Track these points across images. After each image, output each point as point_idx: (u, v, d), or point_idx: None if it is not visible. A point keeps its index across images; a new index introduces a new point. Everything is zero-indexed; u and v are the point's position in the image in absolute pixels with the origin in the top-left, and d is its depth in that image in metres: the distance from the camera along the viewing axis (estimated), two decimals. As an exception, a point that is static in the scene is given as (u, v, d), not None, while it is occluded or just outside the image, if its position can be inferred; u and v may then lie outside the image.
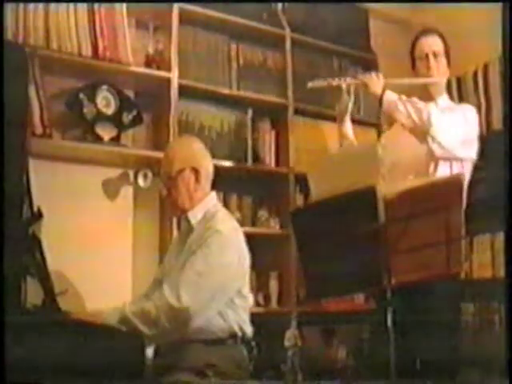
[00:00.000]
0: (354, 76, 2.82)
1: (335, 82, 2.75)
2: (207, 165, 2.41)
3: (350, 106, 2.79)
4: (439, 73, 2.69)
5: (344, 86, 2.74)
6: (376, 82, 2.66)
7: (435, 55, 2.68)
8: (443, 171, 2.54)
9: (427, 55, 2.68)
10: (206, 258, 2.16)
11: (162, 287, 2.15)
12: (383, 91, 2.63)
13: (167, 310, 2.07)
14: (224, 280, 2.19)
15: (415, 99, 2.63)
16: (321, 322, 3.35)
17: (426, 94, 2.71)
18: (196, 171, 2.35)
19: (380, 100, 2.62)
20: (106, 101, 2.94)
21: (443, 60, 2.71)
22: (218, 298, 2.16)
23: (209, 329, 2.17)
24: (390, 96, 2.62)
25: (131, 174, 3.10)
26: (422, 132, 2.50)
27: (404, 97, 2.63)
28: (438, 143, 2.48)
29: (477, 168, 3.34)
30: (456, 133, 2.52)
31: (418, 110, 2.53)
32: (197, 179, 2.35)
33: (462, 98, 3.52)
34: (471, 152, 2.60)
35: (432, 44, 2.70)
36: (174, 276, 2.20)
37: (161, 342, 2.17)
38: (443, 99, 2.73)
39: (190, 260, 2.18)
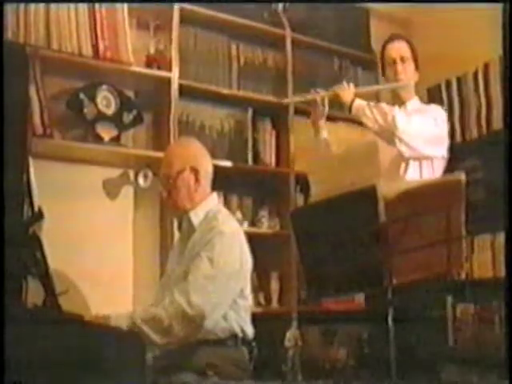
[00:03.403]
0: (354, 75, 2.82)
1: (310, 96, 2.85)
2: (207, 165, 2.41)
3: (325, 114, 2.85)
4: (407, 77, 2.78)
5: (318, 98, 2.81)
6: (347, 91, 2.74)
7: (403, 60, 2.77)
8: (413, 171, 2.65)
9: (395, 60, 2.77)
10: (211, 261, 2.15)
11: (170, 293, 2.13)
12: (353, 100, 2.72)
13: (180, 316, 2.06)
14: (229, 281, 2.18)
15: (383, 104, 2.72)
16: (321, 322, 3.35)
17: (397, 99, 2.81)
18: (196, 171, 2.35)
19: (349, 107, 2.71)
20: (106, 101, 2.94)
21: (411, 64, 2.80)
22: (224, 299, 2.16)
23: (211, 329, 2.16)
24: (359, 103, 2.71)
25: (131, 173, 3.11)
26: (388, 134, 2.58)
27: (372, 103, 2.72)
28: (405, 144, 2.57)
29: (477, 168, 3.36)
30: (423, 132, 2.60)
31: (384, 113, 2.62)
32: (197, 179, 2.35)
33: (462, 98, 3.53)
34: (441, 150, 2.70)
35: (399, 49, 2.79)
36: (180, 280, 2.19)
37: (171, 347, 2.13)
38: (413, 102, 2.82)
39: (196, 263, 2.17)
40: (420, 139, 2.59)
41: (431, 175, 2.65)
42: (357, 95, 2.75)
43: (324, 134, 2.85)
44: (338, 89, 2.75)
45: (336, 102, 2.79)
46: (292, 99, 2.96)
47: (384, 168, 2.59)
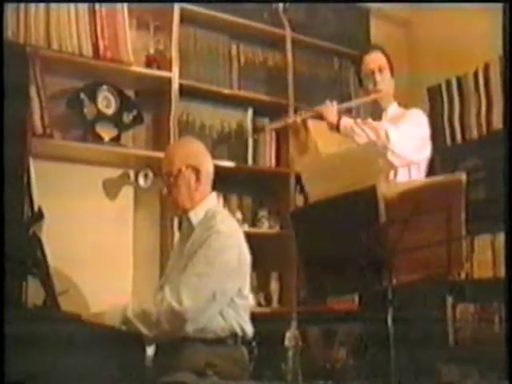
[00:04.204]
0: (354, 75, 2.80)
1: (291, 119, 2.90)
2: (207, 164, 2.41)
3: (308, 137, 2.87)
4: (385, 85, 2.85)
5: (299, 121, 2.84)
6: (331, 110, 2.77)
7: (380, 69, 2.84)
8: (403, 175, 2.70)
9: (373, 71, 2.84)
10: (206, 259, 2.16)
11: (163, 289, 2.15)
12: (339, 118, 2.74)
13: (168, 312, 2.07)
14: (224, 280, 2.19)
15: (369, 120, 2.78)
16: (321, 322, 3.35)
17: (377, 107, 2.89)
18: (197, 170, 2.35)
19: (337, 127, 2.73)
20: (106, 101, 2.94)
21: (388, 73, 2.87)
22: (218, 298, 2.16)
23: (209, 328, 2.17)
24: (346, 122, 2.74)
25: (132, 173, 3.11)
26: (381, 148, 2.60)
27: (359, 120, 2.77)
28: (396, 155, 2.63)
29: (477, 168, 3.35)
30: (411, 141, 2.68)
31: (375, 129, 2.65)
32: (197, 178, 2.35)
33: (462, 98, 3.53)
34: (426, 152, 2.78)
35: (376, 59, 2.86)
36: (176, 277, 2.20)
37: (161, 341, 2.16)
38: (393, 108, 2.88)
39: (192, 261, 2.18)
40: (410, 148, 2.66)
41: (419, 176, 2.71)
42: (340, 110, 2.79)
43: (312, 149, 2.85)
44: (322, 109, 2.78)
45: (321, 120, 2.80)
46: (274, 125, 3.02)
47: None
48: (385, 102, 2.86)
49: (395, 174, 2.70)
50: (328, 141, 2.85)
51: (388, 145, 2.60)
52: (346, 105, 3.02)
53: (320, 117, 2.79)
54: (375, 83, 2.83)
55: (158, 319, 2.06)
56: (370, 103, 2.99)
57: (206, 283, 2.13)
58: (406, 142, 2.64)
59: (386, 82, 2.84)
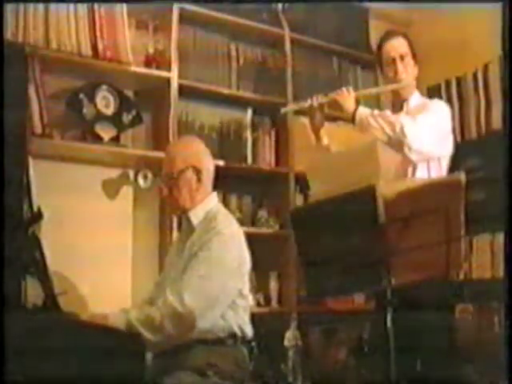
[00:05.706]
0: (353, 75, 2.77)
1: (307, 104, 2.75)
2: (208, 164, 2.41)
3: (324, 121, 2.78)
4: (407, 75, 2.70)
5: (316, 105, 2.72)
6: (347, 98, 2.66)
7: (402, 58, 2.69)
8: (422, 173, 2.57)
9: (394, 59, 2.69)
10: (208, 261, 2.15)
11: (165, 292, 2.13)
12: (355, 108, 2.63)
13: (172, 315, 2.06)
14: (226, 282, 2.18)
15: (387, 112, 2.65)
16: (321, 322, 3.35)
17: (398, 96, 2.74)
18: (198, 171, 2.34)
19: (353, 118, 2.63)
20: (105, 101, 2.94)
21: (410, 60, 2.72)
22: (221, 299, 2.16)
23: (209, 329, 2.16)
24: (362, 112, 2.62)
25: (131, 174, 3.10)
26: (397, 143, 2.50)
27: (376, 111, 2.64)
28: (415, 152, 2.50)
29: (476, 168, 3.35)
30: (431, 135, 2.54)
31: (391, 123, 2.53)
32: (198, 179, 2.34)
33: (461, 98, 3.53)
34: (447, 148, 2.64)
35: (398, 47, 2.70)
36: (177, 279, 2.19)
37: (165, 346, 2.13)
38: (414, 98, 2.73)
39: (193, 263, 2.17)
40: (429, 144, 2.54)
41: (439, 174, 2.59)
42: (357, 97, 2.68)
43: (325, 140, 2.77)
44: (338, 96, 2.68)
45: (336, 108, 2.70)
46: (290, 107, 2.90)
47: (391, 171, 2.57)
48: (406, 92, 2.71)
49: (414, 172, 2.59)
50: (333, 139, 2.82)
51: (404, 140, 2.48)
52: (364, 92, 2.94)
53: (336, 104, 2.67)
54: (396, 72, 2.68)
55: (161, 323, 2.04)
56: (391, 93, 2.83)
57: (208, 285, 2.13)
58: (424, 137, 2.51)
59: (408, 71, 2.69)
